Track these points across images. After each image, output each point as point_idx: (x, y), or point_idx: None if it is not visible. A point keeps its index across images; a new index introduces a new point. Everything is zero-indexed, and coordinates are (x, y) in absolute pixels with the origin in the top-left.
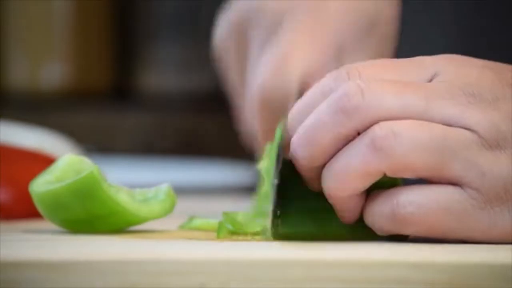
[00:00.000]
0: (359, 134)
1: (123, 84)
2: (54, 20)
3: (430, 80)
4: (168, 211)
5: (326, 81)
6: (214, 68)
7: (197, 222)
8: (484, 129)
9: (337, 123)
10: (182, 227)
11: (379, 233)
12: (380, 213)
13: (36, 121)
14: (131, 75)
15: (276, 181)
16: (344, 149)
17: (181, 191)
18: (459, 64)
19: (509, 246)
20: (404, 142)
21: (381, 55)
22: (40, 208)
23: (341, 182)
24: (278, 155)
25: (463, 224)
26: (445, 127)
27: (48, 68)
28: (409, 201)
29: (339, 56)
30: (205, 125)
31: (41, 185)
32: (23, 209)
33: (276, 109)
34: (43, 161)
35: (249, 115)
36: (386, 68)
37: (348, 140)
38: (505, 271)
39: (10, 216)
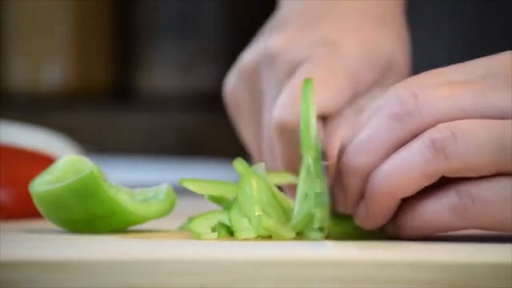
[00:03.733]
0: (415, 138)
1: (123, 84)
2: (54, 20)
3: (485, 78)
4: (168, 211)
5: (376, 102)
6: (214, 68)
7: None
8: None
9: (393, 130)
10: (181, 228)
11: (434, 230)
12: (438, 208)
13: (36, 121)
14: (131, 75)
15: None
16: (399, 150)
17: (181, 191)
18: (508, 60)
19: (509, 246)
20: (465, 143)
21: None
22: (40, 208)
23: (399, 184)
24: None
25: None
26: (503, 122)
27: (48, 68)
28: (470, 194)
29: (355, 97)
30: (205, 125)
31: (41, 185)
32: (23, 209)
33: (294, 139)
34: (43, 161)
35: (268, 151)
36: (435, 74)
37: (404, 144)
38: (505, 271)
39: (10, 216)
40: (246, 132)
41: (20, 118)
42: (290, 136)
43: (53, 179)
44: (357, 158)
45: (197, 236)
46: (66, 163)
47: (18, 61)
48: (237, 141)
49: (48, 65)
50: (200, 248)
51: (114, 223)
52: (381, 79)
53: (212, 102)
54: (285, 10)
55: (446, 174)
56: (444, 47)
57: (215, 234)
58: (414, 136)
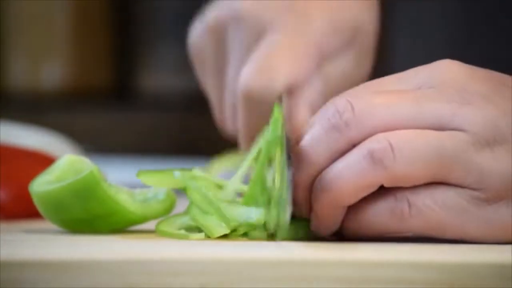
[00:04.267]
0: (354, 147)
1: (123, 84)
2: (54, 20)
3: (420, 88)
4: (168, 211)
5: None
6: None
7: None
8: (478, 127)
9: (331, 140)
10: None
11: (376, 232)
12: (377, 212)
13: (36, 121)
14: (131, 75)
15: (290, 177)
16: (339, 160)
17: (181, 191)
18: (447, 68)
19: (509, 246)
20: (402, 154)
21: (361, 65)
22: (40, 208)
23: (340, 194)
24: (285, 149)
25: (461, 222)
26: (439, 133)
27: (48, 68)
28: (407, 199)
29: (320, 64)
30: (204, 125)
31: (41, 185)
32: (23, 209)
33: (260, 108)
34: (43, 161)
35: (230, 112)
36: (373, 84)
37: (343, 154)
38: (505, 271)
39: (10, 216)
40: (208, 84)
41: (20, 118)
42: (254, 105)
43: (53, 179)
44: (299, 171)
45: (184, 237)
46: (66, 163)
47: (18, 61)
48: (237, 141)
49: (48, 65)
50: (200, 248)
51: (114, 223)
52: (348, 44)
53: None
54: None
55: (385, 184)
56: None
57: (203, 234)
58: (353, 145)
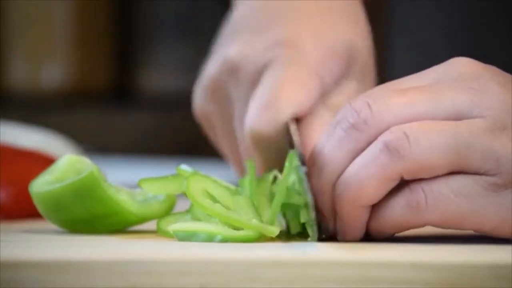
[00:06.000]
0: None
1: (123, 84)
2: (54, 20)
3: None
4: (168, 211)
5: (334, 117)
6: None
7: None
8: (495, 111)
9: (351, 140)
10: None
11: (396, 228)
12: (393, 206)
13: (36, 121)
14: (131, 75)
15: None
16: (357, 158)
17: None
18: (462, 63)
19: (509, 246)
20: (417, 141)
21: (366, 88)
22: (40, 208)
23: (360, 191)
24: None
25: (479, 209)
26: (455, 123)
27: (48, 68)
28: (423, 189)
29: (324, 93)
30: None
31: (41, 185)
32: (23, 209)
33: (272, 145)
34: (43, 161)
35: (244, 156)
36: (389, 84)
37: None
38: (505, 271)
39: (10, 216)
40: (222, 145)
41: (20, 118)
42: (266, 144)
43: (53, 179)
44: (321, 175)
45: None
46: (66, 163)
47: (18, 61)
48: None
49: (48, 65)
50: (200, 248)
51: (114, 223)
52: (347, 71)
53: None
54: (238, 14)
55: (404, 176)
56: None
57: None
58: (371, 143)
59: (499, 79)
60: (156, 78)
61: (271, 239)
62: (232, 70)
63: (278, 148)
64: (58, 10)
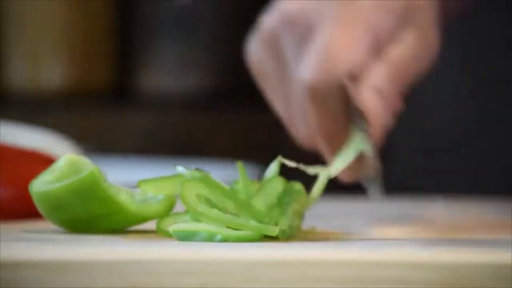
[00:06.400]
0: None
1: (123, 84)
2: (54, 20)
3: None
4: (168, 211)
5: None
6: (213, 68)
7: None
8: None
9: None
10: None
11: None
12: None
13: (36, 121)
14: (131, 75)
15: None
16: None
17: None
18: None
19: (509, 246)
20: None
21: (425, 42)
22: (40, 208)
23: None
24: None
25: None
26: None
27: (48, 68)
28: None
29: (379, 47)
30: (204, 125)
31: (41, 185)
32: (23, 209)
33: (329, 101)
34: (43, 161)
35: (301, 118)
36: None
37: None
38: (505, 271)
39: (10, 216)
40: (274, 98)
41: (20, 118)
42: (322, 98)
43: (53, 179)
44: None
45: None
46: (66, 163)
47: (18, 61)
48: (237, 141)
49: (48, 65)
50: (200, 248)
51: (114, 222)
52: (404, 23)
53: (212, 102)
54: None
55: None
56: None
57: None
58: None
59: None
60: (156, 78)
61: (272, 239)
62: (288, 22)
63: (333, 102)
64: (58, 10)
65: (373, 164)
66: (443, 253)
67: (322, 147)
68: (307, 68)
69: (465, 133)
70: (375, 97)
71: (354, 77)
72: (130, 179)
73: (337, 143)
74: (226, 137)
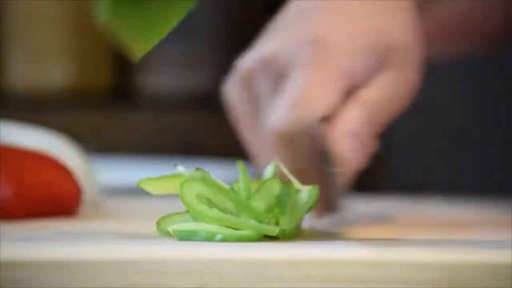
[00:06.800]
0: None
1: (123, 84)
2: (54, 20)
3: None
4: None
5: None
6: (213, 68)
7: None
8: None
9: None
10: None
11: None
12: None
13: (36, 121)
14: (131, 75)
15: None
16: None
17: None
18: None
19: (509, 246)
20: None
21: (405, 84)
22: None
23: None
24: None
25: None
26: None
27: (49, 68)
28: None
29: (354, 91)
30: (204, 125)
31: None
32: (23, 209)
33: (297, 147)
34: (43, 161)
35: (267, 157)
36: None
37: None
38: (505, 271)
39: (10, 216)
40: (247, 137)
41: (20, 118)
42: (288, 142)
43: None
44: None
45: (168, 234)
46: None
47: (18, 61)
48: (237, 141)
49: (48, 65)
50: (200, 248)
51: None
52: (381, 65)
53: (212, 102)
54: (286, 12)
55: None
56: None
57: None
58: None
59: None
60: (156, 78)
61: (272, 239)
62: (264, 64)
63: (300, 147)
64: (58, 10)
65: (336, 202)
66: (443, 253)
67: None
68: (277, 113)
69: (465, 132)
70: (348, 141)
71: (327, 121)
72: (130, 179)
73: (306, 181)
74: (226, 137)
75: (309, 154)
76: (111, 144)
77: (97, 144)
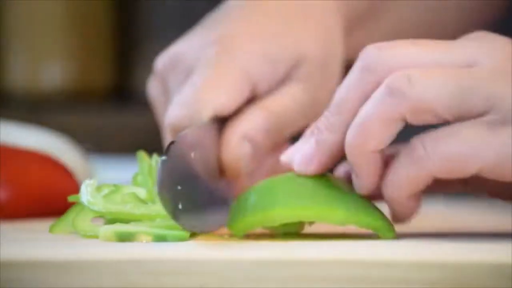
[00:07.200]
0: None
1: (123, 84)
2: (54, 20)
3: None
4: None
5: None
6: None
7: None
8: (495, 60)
9: (361, 80)
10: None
11: (402, 190)
12: (397, 166)
13: (36, 121)
14: (131, 75)
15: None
16: (365, 103)
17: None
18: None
19: (509, 246)
20: (419, 81)
21: (314, 98)
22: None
23: (365, 133)
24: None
25: (479, 148)
26: (458, 69)
27: (48, 68)
28: (421, 140)
29: (255, 98)
30: None
31: None
32: (23, 209)
33: None
34: (43, 161)
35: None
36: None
37: None
38: (505, 270)
39: (10, 216)
40: (162, 127)
41: (20, 118)
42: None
43: None
44: (331, 115)
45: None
46: None
47: (18, 61)
48: None
49: (48, 65)
50: (200, 248)
51: None
52: (287, 75)
53: None
54: (211, 15)
55: (407, 117)
56: None
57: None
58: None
59: (493, 33)
60: None
61: (271, 239)
62: (173, 64)
63: None
64: (58, 10)
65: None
66: (444, 252)
67: None
68: (171, 109)
69: None
70: (241, 143)
71: (223, 122)
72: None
73: None
74: None
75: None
76: (111, 144)
77: (97, 144)
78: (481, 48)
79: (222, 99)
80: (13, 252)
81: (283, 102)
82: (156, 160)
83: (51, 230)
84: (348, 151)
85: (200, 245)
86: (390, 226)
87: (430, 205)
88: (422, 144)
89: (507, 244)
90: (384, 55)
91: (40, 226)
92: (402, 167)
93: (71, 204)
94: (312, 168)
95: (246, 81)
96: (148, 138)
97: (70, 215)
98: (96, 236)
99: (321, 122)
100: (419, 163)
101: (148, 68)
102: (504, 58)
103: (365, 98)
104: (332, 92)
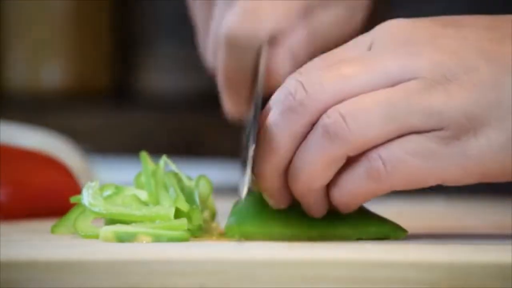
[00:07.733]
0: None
1: (123, 84)
2: (54, 20)
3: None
4: None
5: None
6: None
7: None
8: (426, 71)
9: (291, 123)
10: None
11: (361, 199)
12: (355, 178)
13: (36, 121)
14: (131, 75)
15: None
16: (302, 144)
17: None
18: (389, 26)
19: (509, 246)
20: (354, 120)
21: (352, 17)
22: None
23: (309, 177)
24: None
25: (437, 165)
26: (390, 89)
27: (48, 67)
28: (379, 156)
29: (306, 14)
30: (205, 125)
31: None
32: (23, 209)
33: (242, 53)
34: (43, 161)
35: (213, 49)
36: (324, 57)
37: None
38: (505, 271)
39: (10, 216)
40: (196, 14)
41: (20, 118)
42: (236, 50)
43: None
44: (265, 162)
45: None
46: None
47: (18, 61)
48: (237, 142)
49: (48, 64)
50: (200, 248)
51: None
52: None
53: (212, 102)
54: None
55: (350, 154)
56: None
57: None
58: (312, 125)
59: (428, 36)
60: (155, 78)
61: (272, 239)
62: None
63: (247, 57)
64: (58, 10)
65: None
66: (444, 253)
67: (220, 82)
68: (231, 18)
69: None
70: (288, 60)
71: (275, 38)
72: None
73: (236, 97)
74: (226, 137)
75: (248, 66)
76: (111, 144)
77: (97, 144)
78: (407, 60)
79: (281, 13)
80: (13, 252)
81: (329, 20)
82: (164, 161)
83: (52, 231)
84: (292, 188)
85: (199, 245)
86: (397, 225)
87: (430, 205)
88: (381, 160)
89: (508, 244)
90: (311, 95)
91: (40, 226)
92: (361, 184)
93: (71, 205)
94: (281, 205)
95: (302, 2)
96: (148, 138)
97: (72, 216)
98: (96, 237)
99: (257, 169)
100: (380, 181)
101: (148, 68)
102: (432, 68)
103: (298, 139)
104: (364, 14)
